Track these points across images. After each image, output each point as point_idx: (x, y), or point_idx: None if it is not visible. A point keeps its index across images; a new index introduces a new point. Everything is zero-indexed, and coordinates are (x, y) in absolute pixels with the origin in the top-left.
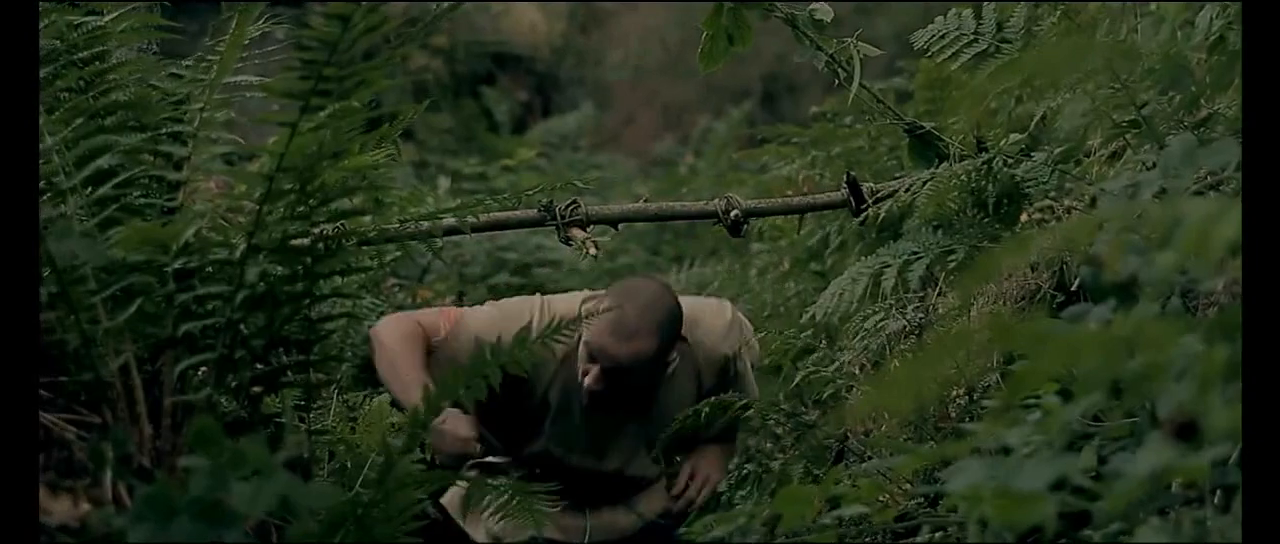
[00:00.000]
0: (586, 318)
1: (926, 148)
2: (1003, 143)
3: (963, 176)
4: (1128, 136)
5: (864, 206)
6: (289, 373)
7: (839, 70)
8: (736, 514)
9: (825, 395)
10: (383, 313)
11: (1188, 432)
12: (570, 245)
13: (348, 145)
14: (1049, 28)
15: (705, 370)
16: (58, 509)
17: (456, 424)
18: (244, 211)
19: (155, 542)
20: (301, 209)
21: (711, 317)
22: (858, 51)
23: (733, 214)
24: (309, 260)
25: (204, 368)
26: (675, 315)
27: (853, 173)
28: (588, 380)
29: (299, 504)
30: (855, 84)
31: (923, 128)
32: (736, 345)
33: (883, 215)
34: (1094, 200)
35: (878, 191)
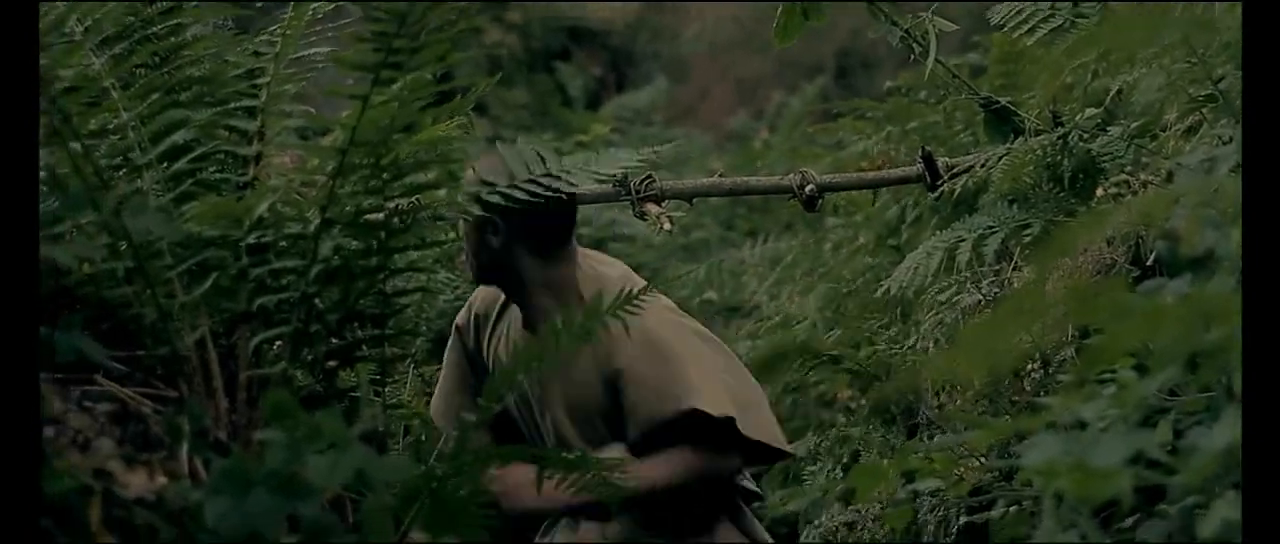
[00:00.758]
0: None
1: (1002, 123)
2: (1079, 117)
3: (1038, 151)
4: (1204, 110)
5: (939, 181)
6: (364, 347)
7: (914, 45)
8: (810, 488)
9: (900, 369)
10: (457, 288)
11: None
12: (644, 220)
13: (419, 118)
14: (1125, 2)
15: None
16: (134, 482)
17: (522, 474)
18: (317, 186)
19: (232, 514)
20: (375, 183)
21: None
22: (934, 26)
23: (807, 189)
24: (383, 234)
25: (279, 342)
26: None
27: (928, 147)
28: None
29: (375, 477)
30: (931, 59)
31: (998, 102)
32: None
33: (958, 190)
34: (1170, 175)
35: (953, 166)
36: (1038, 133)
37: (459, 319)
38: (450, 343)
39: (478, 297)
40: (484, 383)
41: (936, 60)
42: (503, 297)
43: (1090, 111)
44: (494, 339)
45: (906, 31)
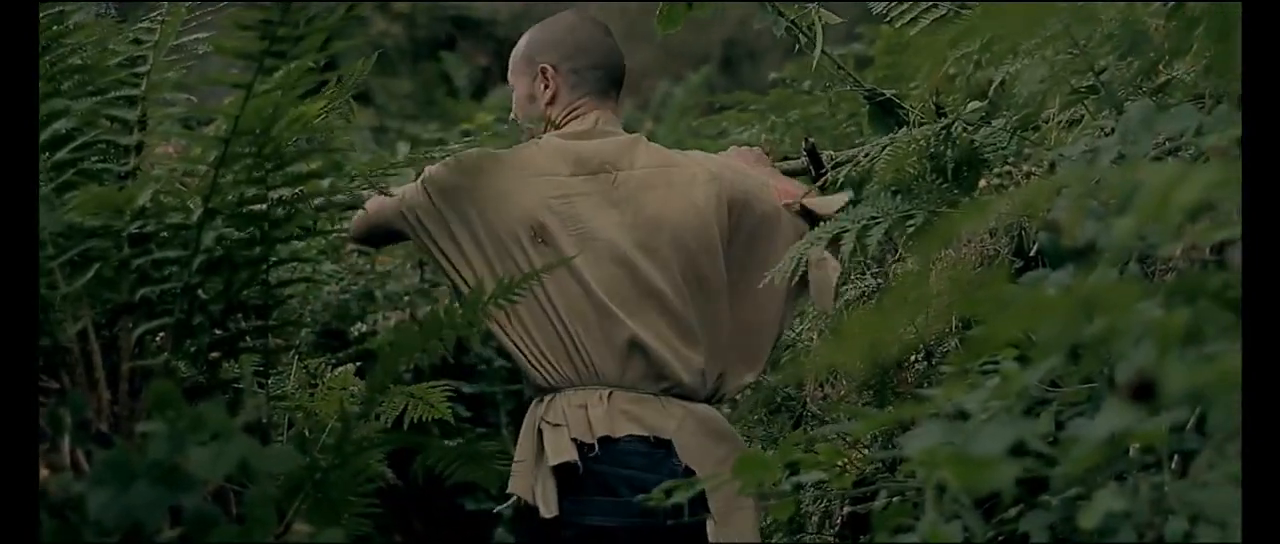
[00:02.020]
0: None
1: (887, 115)
2: (962, 109)
3: (922, 142)
4: (1086, 102)
5: (822, 172)
6: (247, 338)
7: (800, 36)
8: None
9: (783, 360)
10: (341, 279)
11: (1145, 395)
12: None
13: (302, 107)
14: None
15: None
16: None
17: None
18: (200, 175)
19: (115, 505)
20: (258, 173)
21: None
22: (820, 18)
23: None
24: (266, 225)
25: (162, 333)
26: (559, 26)
27: (812, 139)
28: None
29: (258, 468)
30: (818, 51)
31: (883, 94)
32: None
33: (840, 181)
34: (1053, 166)
35: (836, 158)
36: (921, 124)
37: None
38: None
39: None
40: None
41: (823, 51)
42: None
43: (974, 105)
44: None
45: (792, 22)
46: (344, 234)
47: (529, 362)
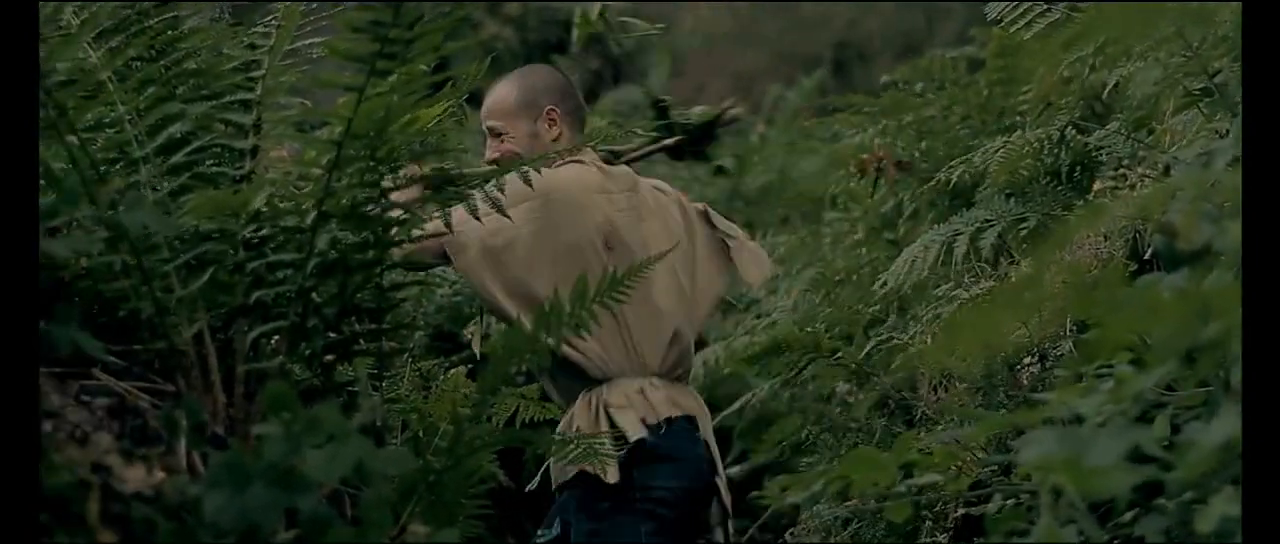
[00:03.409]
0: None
1: (661, 117)
2: (1075, 112)
3: (1035, 145)
4: (1200, 104)
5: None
6: (361, 341)
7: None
8: (810, 477)
9: (896, 363)
10: (454, 282)
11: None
12: None
13: (414, 110)
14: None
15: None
16: (132, 477)
17: None
18: (314, 179)
19: (230, 508)
20: (372, 176)
21: None
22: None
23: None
24: (380, 228)
25: (276, 336)
26: (543, 75)
27: (663, 99)
28: (486, 154)
29: (374, 470)
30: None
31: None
32: None
33: (953, 182)
34: (1167, 168)
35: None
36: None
37: None
38: None
39: None
40: None
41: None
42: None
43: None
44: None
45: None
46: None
47: (586, 355)
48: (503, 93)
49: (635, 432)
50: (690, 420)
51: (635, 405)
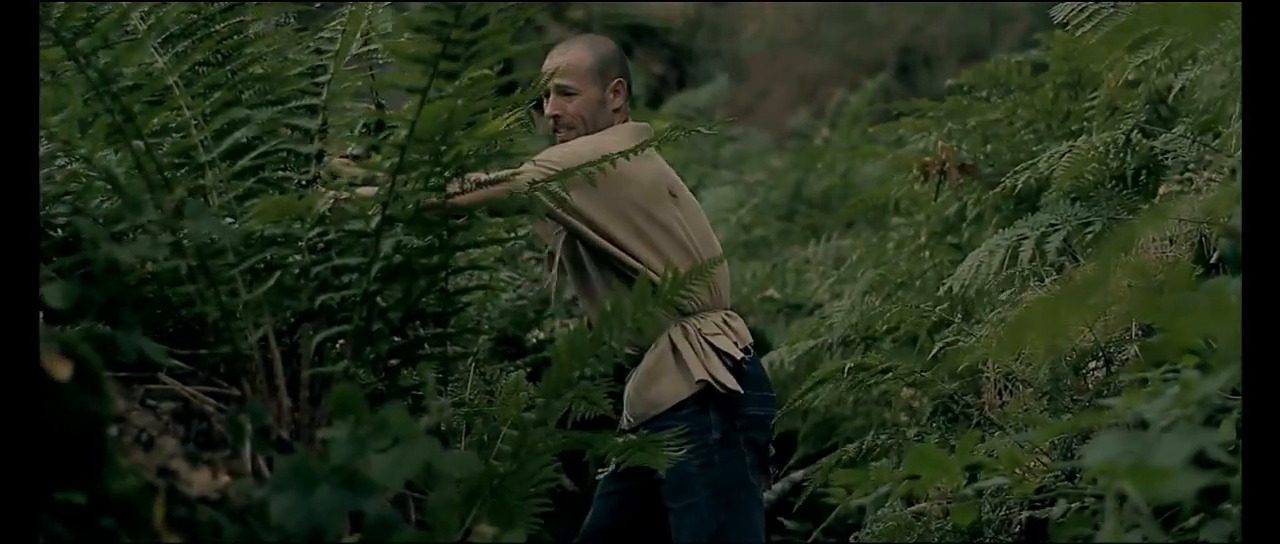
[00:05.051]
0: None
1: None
2: (1141, 115)
3: (1101, 148)
4: None
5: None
6: (426, 345)
7: None
8: (876, 477)
9: (961, 367)
10: (518, 286)
11: None
12: None
13: (480, 114)
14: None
15: None
16: (198, 481)
17: None
18: (380, 182)
19: (297, 511)
20: (435, 180)
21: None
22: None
23: None
24: (445, 232)
25: (341, 340)
26: (612, 47)
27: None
28: (547, 108)
29: (442, 472)
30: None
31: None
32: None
33: (1018, 187)
34: (1234, 172)
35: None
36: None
37: None
38: None
39: None
40: None
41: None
42: None
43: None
44: None
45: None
46: (521, 238)
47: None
48: (579, 54)
49: (736, 353)
50: (752, 348)
51: (726, 333)
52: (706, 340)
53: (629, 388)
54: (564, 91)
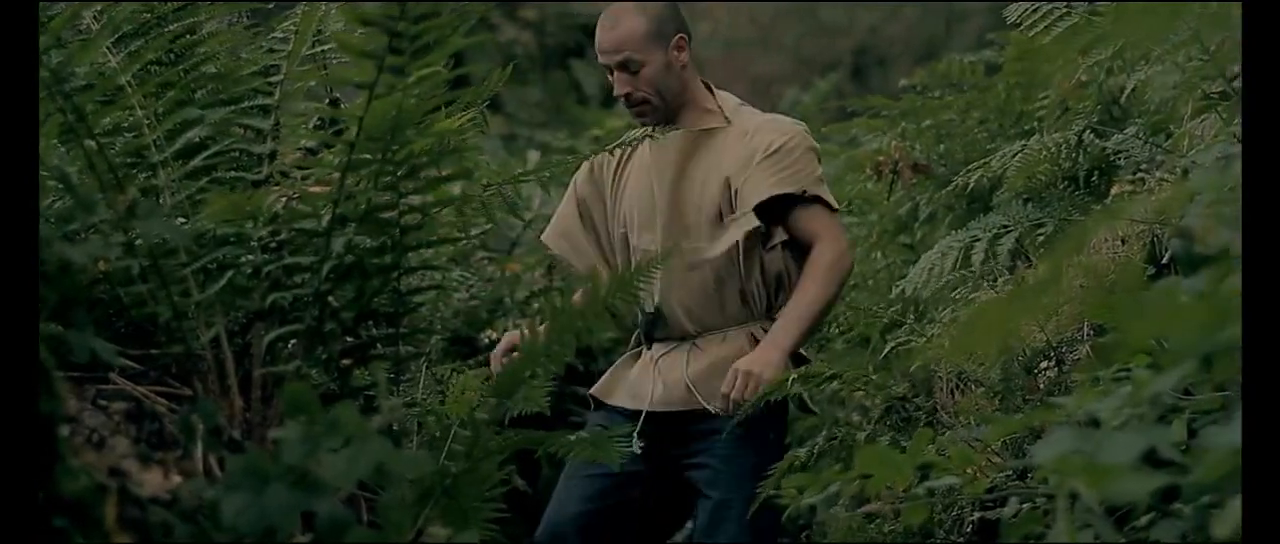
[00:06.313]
0: None
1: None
2: (1093, 116)
3: (1053, 148)
4: (1218, 108)
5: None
6: (378, 345)
7: None
8: (827, 477)
9: (913, 368)
10: (471, 286)
11: None
12: None
13: (431, 113)
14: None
15: (741, 151)
16: (149, 481)
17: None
18: (331, 181)
19: (249, 510)
20: (386, 178)
21: (769, 116)
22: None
23: None
24: (397, 231)
25: (293, 340)
26: (661, 3)
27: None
28: (615, 89)
29: (394, 472)
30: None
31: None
32: (780, 139)
33: (972, 186)
34: (1185, 172)
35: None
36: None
37: (579, 176)
38: (570, 188)
39: (592, 162)
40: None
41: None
42: (619, 154)
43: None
44: (620, 180)
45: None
46: (473, 241)
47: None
48: (631, 23)
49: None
50: None
51: None
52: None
53: (680, 371)
54: (627, 67)
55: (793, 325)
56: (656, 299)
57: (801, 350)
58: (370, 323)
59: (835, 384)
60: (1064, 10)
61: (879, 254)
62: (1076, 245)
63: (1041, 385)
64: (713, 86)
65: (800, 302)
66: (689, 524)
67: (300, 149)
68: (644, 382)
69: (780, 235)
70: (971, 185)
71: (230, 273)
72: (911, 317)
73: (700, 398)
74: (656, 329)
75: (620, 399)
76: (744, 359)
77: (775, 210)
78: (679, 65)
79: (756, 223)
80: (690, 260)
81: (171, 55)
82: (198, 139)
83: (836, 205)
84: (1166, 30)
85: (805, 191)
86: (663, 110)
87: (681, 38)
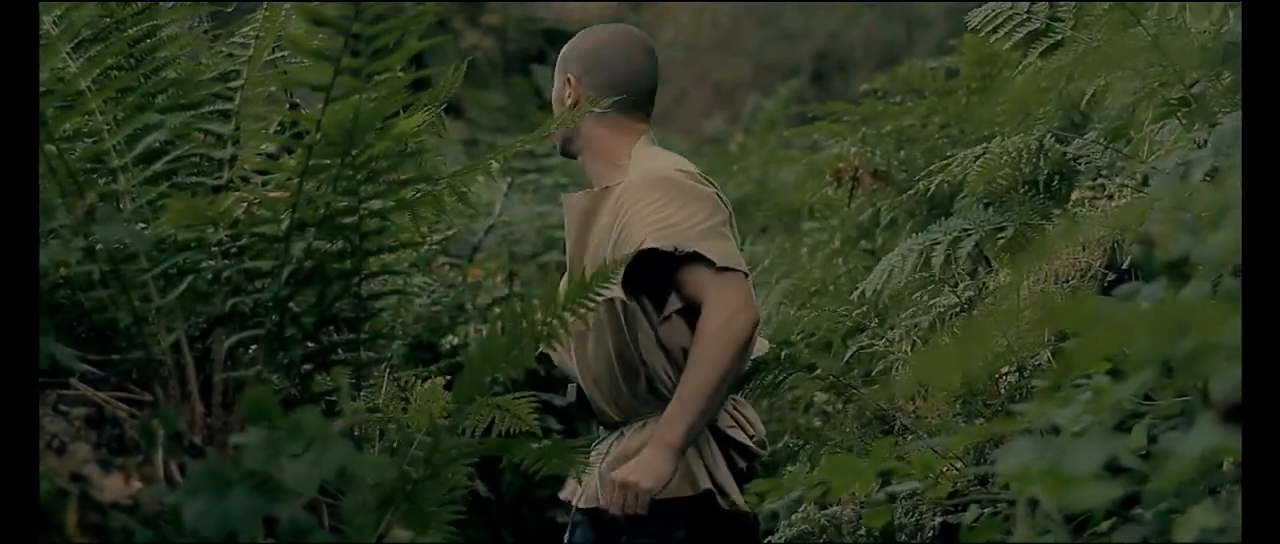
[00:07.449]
0: None
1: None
2: (1054, 122)
3: (1013, 153)
4: (1179, 114)
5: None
6: (340, 350)
7: None
8: (789, 483)
9: (875, 371)
10: (433, 292)
11: (1239, 412)
12: None
13: (391, 117)
14: (1100, 8)
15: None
16: (110, 486)
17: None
18: (290, 186)
19: (211, 515)
20: (345, 183)
21: (658, 159)
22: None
23: None
24: (357, 236)
25: (254, 345)
26: (576, 44)
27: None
28: None
29: (356, 476)
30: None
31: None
32: (647, 193)
33: (931, 190)
34: (1145, 179)
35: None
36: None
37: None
38: None
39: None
40: None
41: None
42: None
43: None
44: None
45: None
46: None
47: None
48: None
49: (753, 456)
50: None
51: (740, 424)
52: (720, 432)
53: (602, 466)
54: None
55: (677, 420)
56: (577, 380)
57: (749, 451)
58: (331, 328)
59: (799, 390)
60: (1024, 15)
61: (840, 260)
62: (1037, 255)
63: (1003, 392)
64: (648, 138)
65: (683, 390)
66: None
67: (260, 153)
68: (591, 472)
69: (675, 303)
70: (932, 190)
71: (190, 278)
72: (873, 321)
73: (602, 497)
74: (582, 413)
75: (566, 490)
76: (623, 467)
77: (661, 274)
78: (569, 102)
79: (617, 292)
80: (583, 334)
81: (131, 60)
82: (158, 144)
83: (725, 261)
84: (1126, 51)
85: (677, 249)
86: (563, 149)
87: (569, 77)
